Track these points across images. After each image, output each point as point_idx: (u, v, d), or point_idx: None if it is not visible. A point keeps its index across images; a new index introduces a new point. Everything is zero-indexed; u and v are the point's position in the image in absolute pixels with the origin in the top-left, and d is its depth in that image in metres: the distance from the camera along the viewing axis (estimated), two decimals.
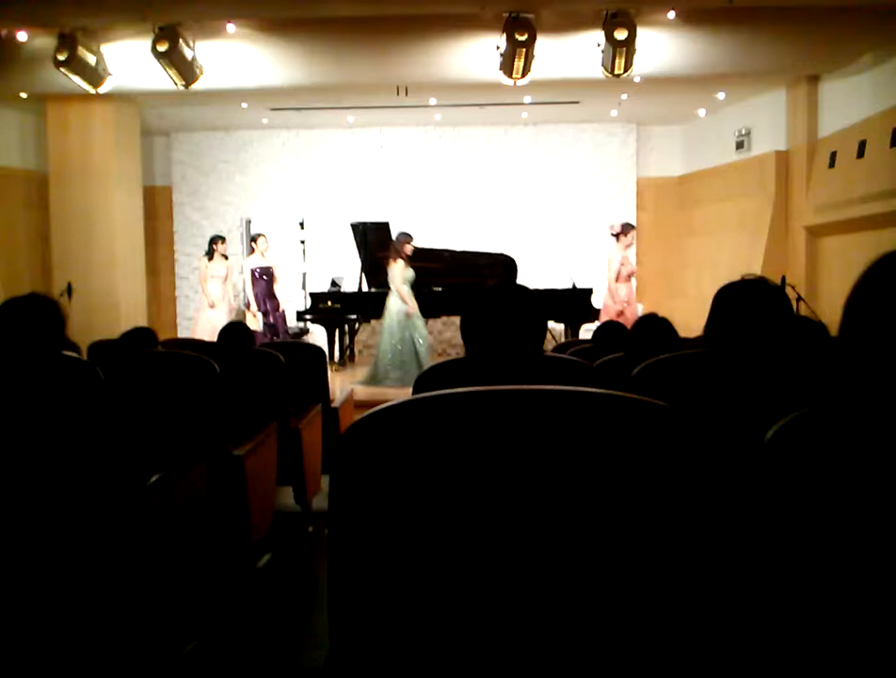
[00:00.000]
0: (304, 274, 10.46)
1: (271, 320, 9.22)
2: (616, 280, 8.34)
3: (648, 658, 1.07)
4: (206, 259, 9.25)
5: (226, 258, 9.33)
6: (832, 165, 8.22)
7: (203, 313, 9.18)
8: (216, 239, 9.30)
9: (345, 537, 1.12)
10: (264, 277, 9.28)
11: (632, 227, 8.66)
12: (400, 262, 7.85)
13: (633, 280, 8.74)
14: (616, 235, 8.48)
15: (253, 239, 9.44)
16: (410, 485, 1.08)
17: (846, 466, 1.02)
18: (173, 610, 2.29)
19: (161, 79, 7.38)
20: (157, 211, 11.19)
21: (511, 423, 1.08)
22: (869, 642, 1.01)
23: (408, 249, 7.91)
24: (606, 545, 1.07)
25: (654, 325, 3.26)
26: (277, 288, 9.38)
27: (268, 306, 9.25)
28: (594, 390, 1.11)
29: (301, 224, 10.15)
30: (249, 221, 10.63)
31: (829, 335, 2.14)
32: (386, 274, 8.05)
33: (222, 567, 2.52)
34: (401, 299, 7.84)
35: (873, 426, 1.05)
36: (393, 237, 8.19)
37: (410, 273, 7.91)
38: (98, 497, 2.00)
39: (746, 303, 1.89)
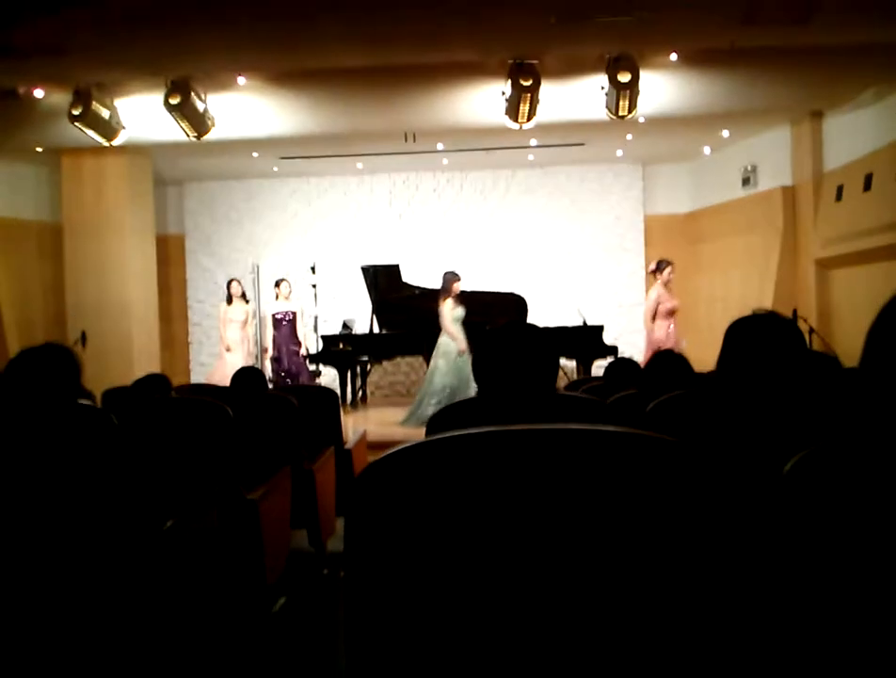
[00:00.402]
0: (315, 317, 10.51)
1: (286, 365, 9.13)
2: (654, 318, 8.12)
3: None
4: (224, 303, 9.30)
5: (246, 301, 9.38)
6: (839, 198, 8.26)
7: (222, 358, 9.19)
8: (230, 282, 9.37)
9: (361, 579, 1.12)
10: (285, 321, 9.21)
11: (669, 263, 8.23)
12: (449, 301, 7.79)
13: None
14: (653, 272, 8.29)
15: (276, 284, 9.38)
16: (426, 526, 1.09)
17: (867, 498, 1.02)
18: (188, 655, 2.28)
19: (173, 131, 7.53)
20: (170, 258, 11.32)
21: (524, 462, 1.08)
22: (876, 664, 1.00)
23: (456, 288, 7.88)
24: (622, 581, 1.06)
25: (669, 361, 3.26)
26: (300, 330, 9.28)
27: (289, 351, 9.13)
28: (605, 427, 1.12)
29: (313, 268, 10.19)
30: (258, 266, 10.70)
31: (841, 368, 2.14)
32: (398, 315, 8.06)
33: (238, 611, 2.51)
34: (451, 338, 7.81)
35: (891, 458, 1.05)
36: (443, 280, 8.07)
37: (460, 312, 7.84)
38: (114, 543, 2.00)
39: (758, 337, 1.88)
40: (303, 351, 9.22)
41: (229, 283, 9.37)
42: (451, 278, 7.93)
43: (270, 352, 9.19)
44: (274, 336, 9.17)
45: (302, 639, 2.88)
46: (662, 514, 1.07)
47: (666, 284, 8.07)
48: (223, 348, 9.18)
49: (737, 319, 1.94)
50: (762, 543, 1.07)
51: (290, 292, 9.31)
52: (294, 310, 9.25)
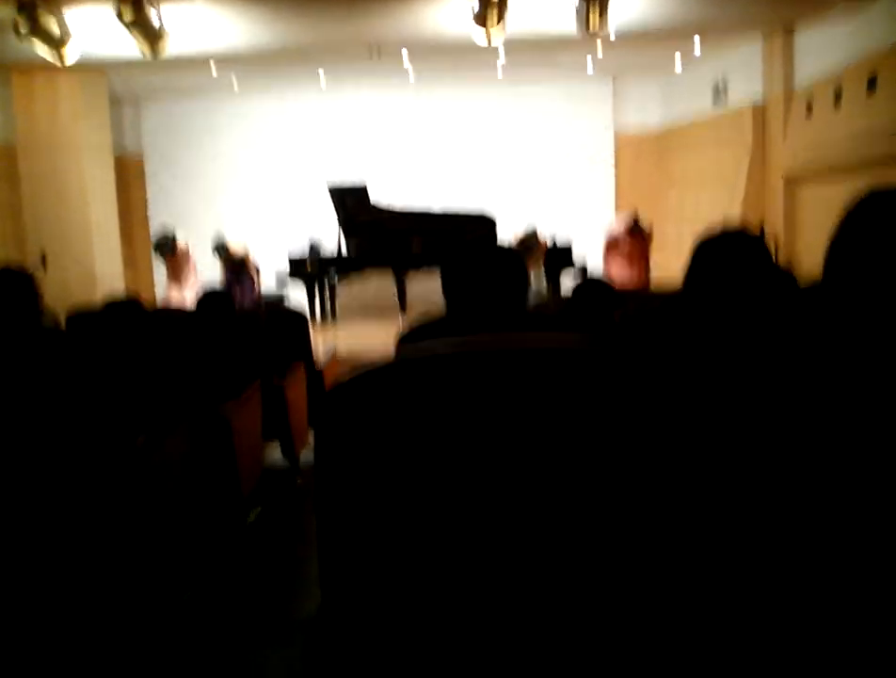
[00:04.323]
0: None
1: (238, 296, 8.87)
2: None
3: (619, 614, 1.10)
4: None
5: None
6: (809, 115, 8.22)
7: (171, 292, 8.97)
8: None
9: (332, 493, 1.14)
10: (234, 271, 8.95)
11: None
12: None
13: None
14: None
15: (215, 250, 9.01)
16: (394, 443, 1.10)
17: (834, 410, 1.05)
18: (169, 564, 2.33)
19: (128, 47, 7.22)
20: (129, 180, 11.04)
21: (485, 381, 1.10)
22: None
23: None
24: (583, 498, 1.09)
25: (593, 289, 3.22)
26: (255, 276, 9.00)
27: (241, 288, 8.85)
28: (568, 344, 1.13)
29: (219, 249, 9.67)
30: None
31: (798, 287, 2.15)
32: (366, 236, 7.95)
33: (214, 521, 2.56)
34: None
35: (861, 364, 1.06)
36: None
37: None
38: (87, 461, 2.01)
39: (725, 255, 1.87)
40: (256, 287, 9.02)
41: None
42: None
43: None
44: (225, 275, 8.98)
45: (276, 548, 2.95)
46: (621, 425, 1.08)
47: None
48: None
49: (704, 237, 1.93)
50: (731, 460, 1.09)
51: (228, 252, 8.92)
52: (238, 254, 8.96)
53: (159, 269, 11.12)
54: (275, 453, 3.70)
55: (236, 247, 9.06)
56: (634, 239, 7.98)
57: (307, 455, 3.69)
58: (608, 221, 9.47)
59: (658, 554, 1.07)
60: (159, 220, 11.22)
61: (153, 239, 9.11)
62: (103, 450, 2.05)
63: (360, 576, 1.14)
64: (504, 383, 1.09)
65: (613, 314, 3.17)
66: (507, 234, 8.54)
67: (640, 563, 1.07)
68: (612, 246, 8.13)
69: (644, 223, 8.32)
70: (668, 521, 1.07)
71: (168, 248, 8.82)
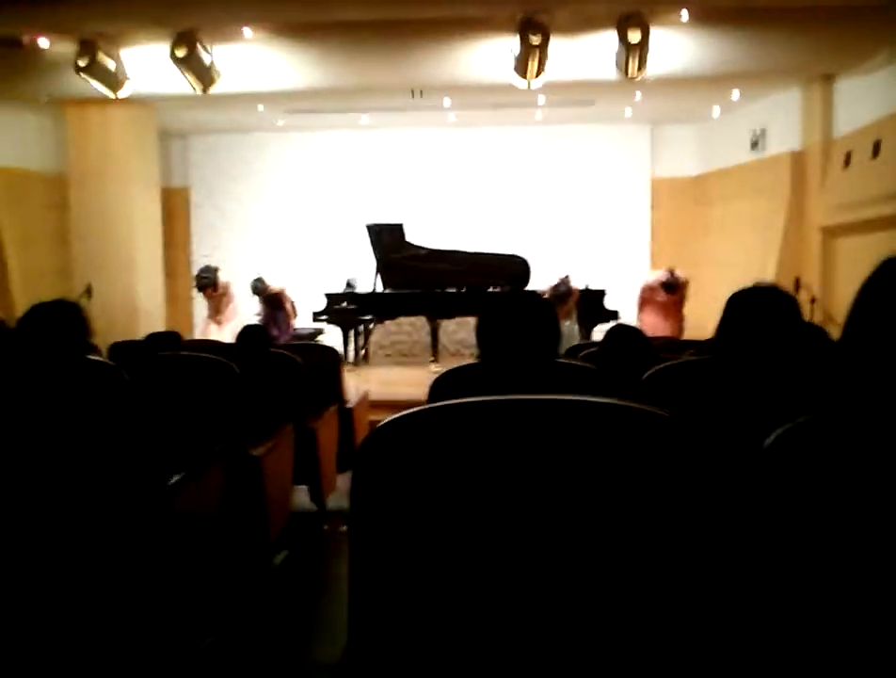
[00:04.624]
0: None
1: (273, 332, 8.95)
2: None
3: (647, 657, 1.12)
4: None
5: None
6: (847, 164, 8.19)
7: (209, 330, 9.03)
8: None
9: (366, 535, 1.17)
10: (270, 306, 9.05)
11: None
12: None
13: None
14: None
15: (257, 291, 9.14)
16: (428, 488, 1.14)
17: (845, 472, 1.05)
18: (193, 606, 2.36)
19: (179, 83, 7.47)
20: (175, 212, 11.28)
21: (523, 431, 1.13)
22: (865, 643, 1.04)
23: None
24: (609, 546, 1.12)
25: (625, 336, 3.21)
26: (288, 308, 9.09)
27: (277, 323, 8.95)
28: (597, 399, 1.16)
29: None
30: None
31: (830, 340, 2.16)
32: (402, 275, 8.02)
33: (240, 563, 2.59)
34: None
35: (873, 431, 1.07)
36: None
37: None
38: (122, 497, 2.06)
39: (758, 311, 1.89)
40: (292, 323, 9.10)
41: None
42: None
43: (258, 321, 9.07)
44: (262, 310, 9.08)
45: (301, 592, 2.96)
46: (649, 486, 1.11)
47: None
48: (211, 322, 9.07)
49: (737, 291, 1.95)
50: (746, 513, 1.11)
51: (265, 287, 9.03)
52: (274, 290, 9.04)
53: (199, 305, 11.36)
54: (302, 496, 3.72)
55: (272, 283, 9.20)
56: (670, 293, 8.00)
57: (335, 500, 3.71)
58: (643, 271, 9.45)
59: (676, 613, 1.09)
60: (201, 253, 11.45)
61: (196, 274, 9.25)
62: (136, 486, 2.10)
63: (391, 620, 1.17)
64: (538, 432, 1.13)
65: (643, 362, 3.17)
66: (541, 283, 8.59)
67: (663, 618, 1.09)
68: (647, 297, 8.14)
69: (680, 278, 8.33)
70: (684, 578, 1.09)
71: (209, 282, 8.94)
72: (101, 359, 2.80)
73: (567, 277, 8.43)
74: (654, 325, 8.21)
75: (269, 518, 2.82)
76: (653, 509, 1.11)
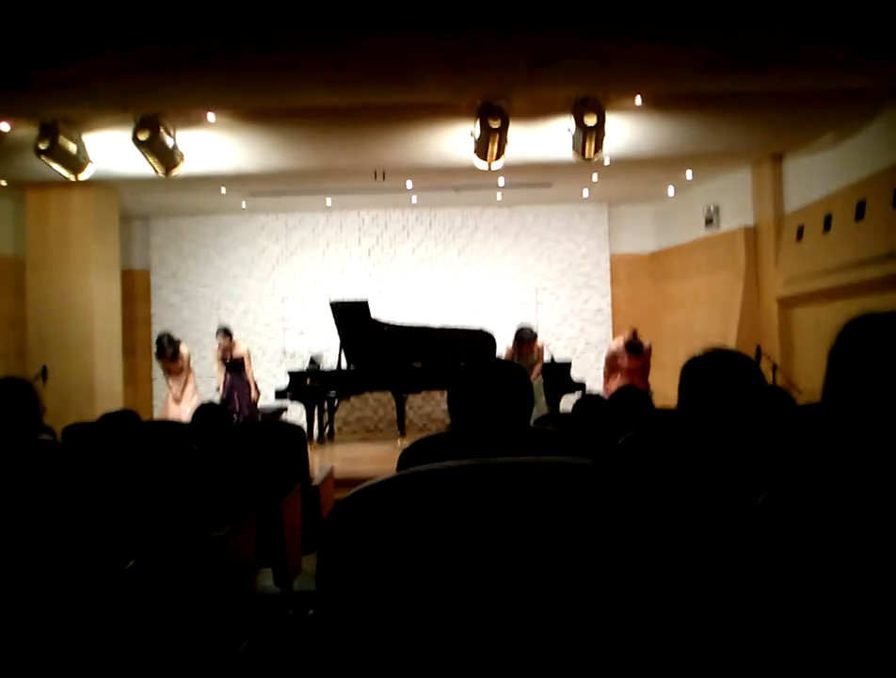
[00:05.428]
0: (284, 351, 10.41)
1: (237, 406, 8.76)
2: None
3: None
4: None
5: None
6: (800, 238, 8.46)
7: (169, 407, 8.82)
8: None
9: (334, 615, 1.10)
10: (232, 364, 8.92)
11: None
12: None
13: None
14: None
15: (217, 333, 9.06)
16: (399, 560, 1.08)
17: (839, 526, 1.04)
18: None
19: (141, 166, 7.50)
20: (135, 293, 11.23)
21: (491, 496, 1.09)
22: None
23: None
24: (589, 609, 1.06)
25: (631, 397, 3.31)
26: (249, 373, 8.94)
27: (239, 393, 8.81)
28: (574, 459, 1.12)
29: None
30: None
31: (794, 404, 2.16)
32: (366, 351, 8.01)
33: (202, 651, 2.45)
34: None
35: (864, 483, 1.07)
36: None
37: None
38: (73, 583, 1.95)
39: (712, 374, 1.89)
40: (253, 394, 8.96)
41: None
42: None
43: (220, 392, 8.91)
44: (225, 376, 8.93)
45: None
46: (625, 541, 1.07)
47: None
48: (171, 397, 8.91)
49: (690, 358, 1.95)
50: (734, 572, 1.08)
51: (230, 340, 8.94)
52: (241, 353, 8.96)
53: (159, 385, 11.17)
54: (266, 580, 3.57)
55: (238, 341, 9.06)
56: (634, 355, 8.05)
57: (300, 582, 3.56)
58: (607, 344, 9.56)
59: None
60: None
61: (156, 342, 9.00)
62: (89, 571, 1.99)
63: None
64: (508, 496, 1.08)
65: (612, 429, 3.18)
66: (501, 348, 8.65)
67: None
68: (613, 366, 8.19)
69: (643, 340, 8.42)
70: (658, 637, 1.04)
71: (170, 347, 8.69)
72: (51, 438, 2.70)
73: (525, 322, 8.45)
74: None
75: (231, 603, 2.68)
76: (631, 565, 1.07)
